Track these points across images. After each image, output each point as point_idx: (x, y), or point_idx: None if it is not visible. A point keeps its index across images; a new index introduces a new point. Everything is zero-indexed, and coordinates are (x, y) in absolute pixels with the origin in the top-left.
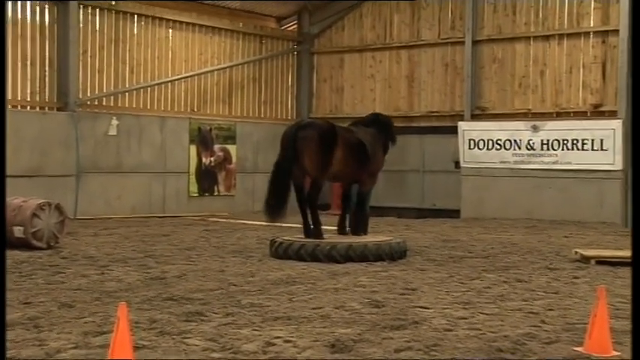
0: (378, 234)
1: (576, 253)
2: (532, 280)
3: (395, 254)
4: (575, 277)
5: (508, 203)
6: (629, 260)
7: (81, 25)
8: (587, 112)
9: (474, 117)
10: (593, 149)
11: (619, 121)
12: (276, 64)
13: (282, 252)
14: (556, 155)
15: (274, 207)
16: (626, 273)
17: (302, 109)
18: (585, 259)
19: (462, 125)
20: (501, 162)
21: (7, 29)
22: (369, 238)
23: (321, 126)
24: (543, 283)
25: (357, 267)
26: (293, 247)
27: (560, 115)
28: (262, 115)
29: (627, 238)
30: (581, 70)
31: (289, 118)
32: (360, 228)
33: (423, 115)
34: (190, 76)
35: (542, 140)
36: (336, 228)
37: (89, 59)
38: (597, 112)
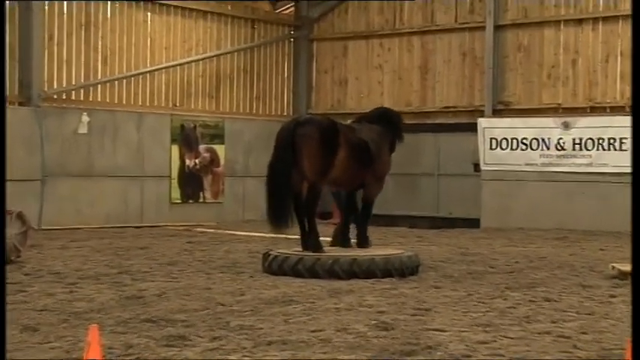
0: (387, 246)
1: (613, 268)
2: (562, 299)
3: (406, 269)
4: (612, 296)
5: (535, 211)
6: None
7: (46, 7)
8: (625, 106)
9: (496, 113)
10: None
11: None
12: (270, 52)
13: (276, 267)
14: (590, 156)
15: (278, 215)
16: None
17: (300, 104)
18: (623, 276)
19: (482, 122)
20: (527, 164)
21: (6, 29)
22: (376, 252)
23: (321, 123)
24: (575, 303)
25: (362, 284)
26: (289, 262)
27: (595, 110)
28: (254, 111)
29: None
30: (619, 58)
31: (285, 114)
32: (366, 240)
33: (438, 111)
34: (172, 67)
35: (574, 139)
36: (331, 239)
37: (55, 47)
38: None
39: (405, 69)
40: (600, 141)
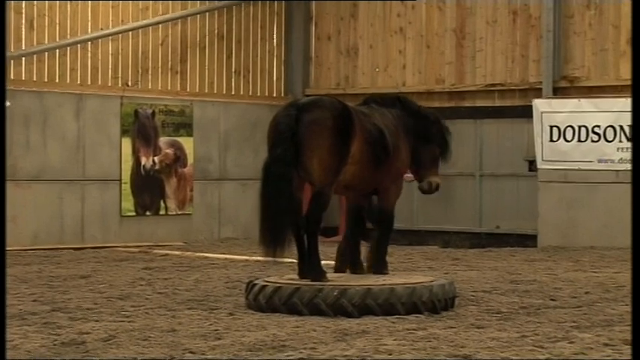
0: (412, 272)
1: None
2: None
3: (438, 303)
4: None
5: (611, 224)
6: None
7: None
8: None
9: (558, 92)
10: None
11: None
12: (255, 12)
13: (264, 301)
14: None
15: (276, 234)
16: None
17: (294, 81)
18: None
19: (539, 105)
20: (601, 161)
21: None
22: (397, 279)
23: (333, 106)
24: None
25: (379, 323)
26: (281, 294)
27: None
28: (233, 92)
29: None
30: None
31: (274, 95)
32: (382, 263)
33: (480, 90)
34: (122, 32)
35: None
36: (335, 262)
37: None
38: None
39: (434, 34)
40: None
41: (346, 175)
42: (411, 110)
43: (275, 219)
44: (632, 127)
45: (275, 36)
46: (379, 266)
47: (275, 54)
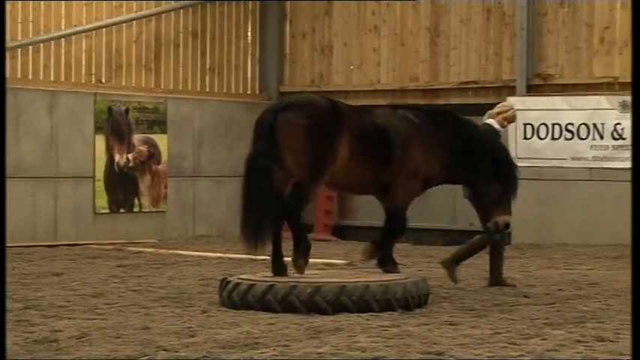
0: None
1: None
2: (620, 339)
3: (411, 300)
4: None
5: (584, 222)
6: None
7: None
8: None
9: (532, 90)
10: None
11: None
12: (229, 9)
13: (238, 298)
14: None
15: (257, 227)
16: None
17: (269, 79)
18: None
19: (512, 103)
20: (574, 158)
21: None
22: (371, 277)
23: (312, 105)
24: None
25: (352, 320)
26: (255, 291)
27: None
28: (207, 89)
29: None
30: None
31: (249, 92)
32: (388, 260)
33: (454, 88)
34: (95, 29)
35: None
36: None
37: None
38: None
39: (409, 32)
40: None
41: (339, 173)
42: (463, 133)
43: (256, 212)
44: (632, 127)
45: (250, 34)
46: (383, 262)
47: (249, 52)
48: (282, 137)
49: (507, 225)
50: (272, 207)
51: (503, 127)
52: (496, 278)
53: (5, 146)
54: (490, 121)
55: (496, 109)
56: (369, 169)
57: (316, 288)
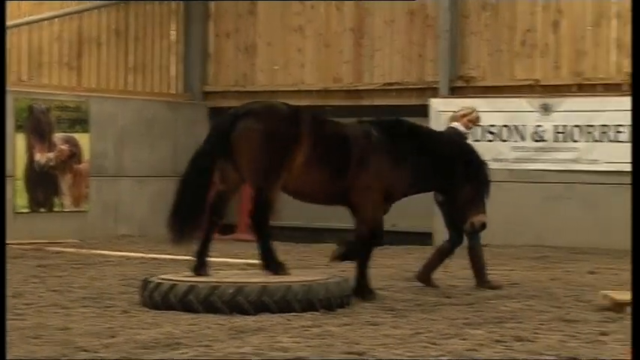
0: (308, 270)
1: (605, 297)
2: (539, 338)
3: (333, 300)
4: (603, 334)
5: (505, 222)
6: None
7: None
8: (621, 84)
9: (454, 91)
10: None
11: None
12: (152, 8)
13: (159, 298)
14: (577, 149)
15: (183, 220)
16: None
17: (192, 78)
18: (618, 307)
19: (435, 104)
20: (495, 159)
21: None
22: (293, 277)
23: (273, 112)
24: (555, 343)
25: (274, 320)
26: (177, 291)
27: (583, 88)
28: (130, 88)
29: None
30: (614, 21)
31: (172, 91)
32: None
33: (378, 89)
34: (16, 26)
35: (556, 127)
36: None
37: None
38: None
39: (333, 32)
40: (590, 129)
41: (294, 181)
42: (427, 141)
43: (188, 207)
44: (632, 127)
45: (174, 33)
46: (359, 290)
47: (173, 51)
48: (238, 142)
49: (484, 225)
50: (203, 206)
51: (468, 129)
52: (483, 280)
53: (5, 146)
54: (455, 124)
55: (460, 112)
56: (322, 177)
57: (238, 288)
